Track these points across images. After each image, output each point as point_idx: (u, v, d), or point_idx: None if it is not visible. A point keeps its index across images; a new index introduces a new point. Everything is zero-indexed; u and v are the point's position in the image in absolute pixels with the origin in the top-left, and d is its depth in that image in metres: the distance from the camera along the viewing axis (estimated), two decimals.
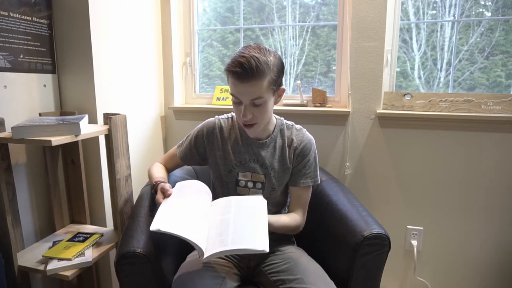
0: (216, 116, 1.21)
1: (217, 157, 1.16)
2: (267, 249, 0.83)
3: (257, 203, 1.01)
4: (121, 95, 1.56)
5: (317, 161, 1.17)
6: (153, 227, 0.85)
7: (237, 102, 1.02)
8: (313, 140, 1.16)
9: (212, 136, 1.17)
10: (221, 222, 0.95)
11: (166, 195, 1.00)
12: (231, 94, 1.02)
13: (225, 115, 1.21)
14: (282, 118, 1.19)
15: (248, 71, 0.93)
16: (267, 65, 0.96)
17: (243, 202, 1.03)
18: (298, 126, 1.18)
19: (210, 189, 1.22)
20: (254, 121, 1.03)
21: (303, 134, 1.16)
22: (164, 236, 0.87)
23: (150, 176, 1.19)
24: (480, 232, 1.56)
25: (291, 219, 1.12)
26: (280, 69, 1.01)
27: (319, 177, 1.17)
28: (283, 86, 1.06)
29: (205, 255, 0.86)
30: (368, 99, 1.59)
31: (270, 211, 1.15)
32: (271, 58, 0.98)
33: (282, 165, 1.14)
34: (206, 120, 1.21)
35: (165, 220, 0.88)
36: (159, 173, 1.17)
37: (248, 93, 0.97)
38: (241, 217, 0.95)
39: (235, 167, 1.14)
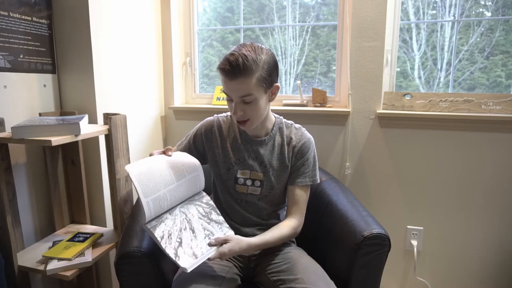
0: (215, 115, 1.21)
1: (216, 155, 1.16)
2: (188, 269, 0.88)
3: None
4: (121, 95, 1.56)
5: (316, 160, 1.16)
6: (127, 168, 0.91)
7: (229, 100, 1.04)
8: (312, 139, 1.16)
9: (210, 135, 1.17)
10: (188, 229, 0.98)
11: (166, 152, 1.03)
12: (223, 91, 1.04)
13: (224, 114, 1.21)
14: (282, 117, 1.19)
15: (235, 69, 0.95)
16: (255, 63, 0.96)
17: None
18: (297, 125, 1.18)
19: (211, 187, 1.22)
20: (246, 117, 1.03)
21: (302, 132, 1.16)
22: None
23: None
24: (480, 232, 1.56)
25: (286, 227, 1.09)
26: (272, 67, 1.01)
27: (318, 177, 1.15)
28: (277, 84, 1.05)
29: (189, 269, 0.88)
30: (368, 99, 1.59)
31: (269, 210, 1.16)
32: (262, 56, 0.98)
33: (281, 163, 1.13)
34: (205, 119, 1.21)
35: (139, 169, 0.92)
36: None
37: (236, 90, 0.99)
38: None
39: (234, 165, 1.14)
